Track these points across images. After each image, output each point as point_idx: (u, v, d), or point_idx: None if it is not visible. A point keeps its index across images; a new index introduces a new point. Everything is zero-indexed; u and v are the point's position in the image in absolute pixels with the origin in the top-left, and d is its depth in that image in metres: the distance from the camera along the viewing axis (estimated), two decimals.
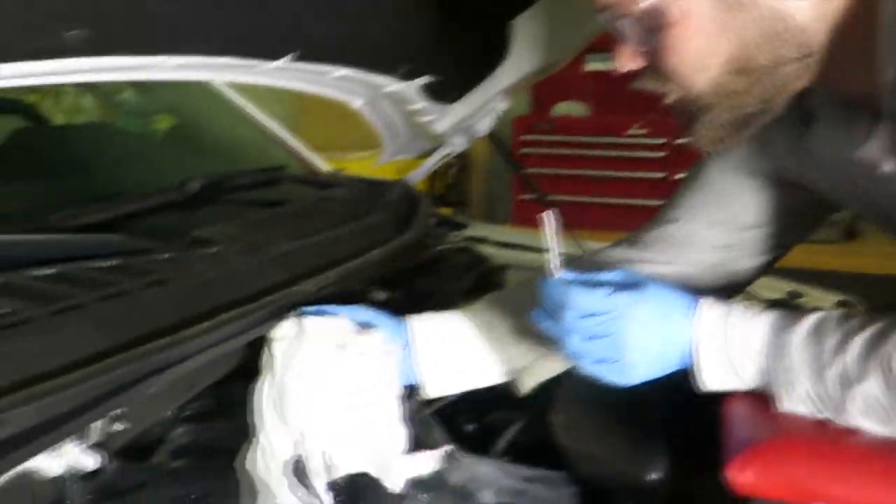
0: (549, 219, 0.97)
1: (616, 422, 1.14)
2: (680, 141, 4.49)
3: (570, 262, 0.99)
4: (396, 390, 1.06)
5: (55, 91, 3.62)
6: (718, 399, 0.95)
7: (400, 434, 1.05)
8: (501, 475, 1.16)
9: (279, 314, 1.10)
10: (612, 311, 0.91)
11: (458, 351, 1.13)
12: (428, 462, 1.06)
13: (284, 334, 1.02)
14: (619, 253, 1.19)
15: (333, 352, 1.01)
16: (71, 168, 1.66)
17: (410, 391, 1.12)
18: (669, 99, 0.94)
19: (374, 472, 1.00)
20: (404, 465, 1.03)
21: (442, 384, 1.14)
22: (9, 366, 0.84)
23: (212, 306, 1.07)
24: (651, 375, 0.93)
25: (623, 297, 0.92)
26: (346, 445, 1.00)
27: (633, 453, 1.11)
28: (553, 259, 0.97)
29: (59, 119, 3.04)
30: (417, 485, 1.04)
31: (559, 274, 0.96)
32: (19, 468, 0.82)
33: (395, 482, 1.02)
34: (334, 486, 0.99)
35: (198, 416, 1.38)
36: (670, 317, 0.92)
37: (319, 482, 0.98)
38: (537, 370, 1.15)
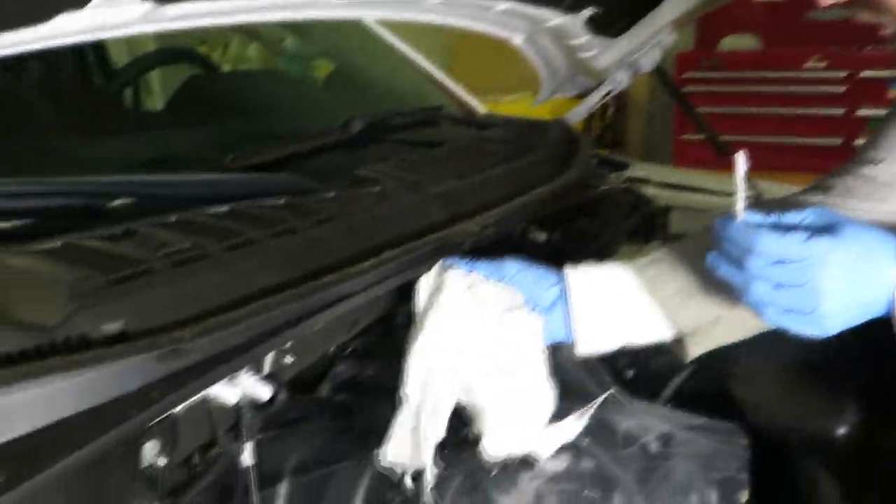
0: (740, 159, 0.89)
1: (800, 370, 1.07)
2: (865, 74, 4.18)
3: (757, 204, 0.92)
4: (540, 358, 1.03)
5: (223, 41, 3.78)
6: None
7: (542, 401, 1.02)
8: (668, 422, 1.13)
9: (441, 253, 1.10)
10: (807, 259, 0.83)
11: (619, 309, 1.07)
12: (574, 428, 1.03)
13: (427, 287, 1.02)
14: (811, 199, 1.10)
15: (473, 318, 1.00)
16: (240, 112, 1.71)
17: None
18: (888, 31, 0.85)
19: (518, 440, 0.99)
20: (550, 434, 1.02)
21: (597, 342, 1.09)
22: (188, 300, 0.88)
23: (376, 244, 1.08)
24: (847, 325, 0.86)
25: (820, 243, 0.83)
26: (485, 413, 0.99)
27: (819, 405, 1.04)
28: (739, 200, 0.89)
29: (226, 67, 3.16)
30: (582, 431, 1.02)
31: (744, 216, 0.88)
32: (200, 395, 0.86)
33: (541, 451, 1.00)
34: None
35: (359, 353, 1.44)
36: (873, 260, 0.83)
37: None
38: (706, 337, 1.08)
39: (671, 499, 1.03)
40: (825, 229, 0.84)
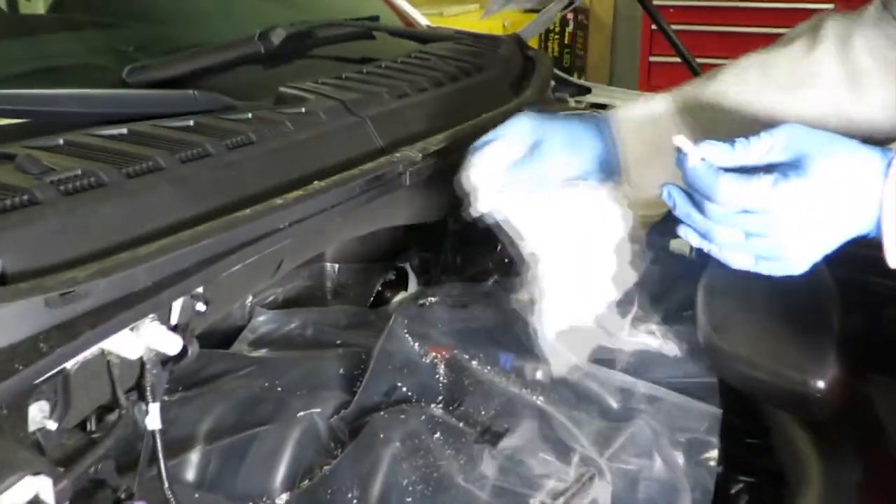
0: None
1: (774, 316, 1.10)
2: None
3: None
4: (608, 228, 1.06)
5: None
6: None
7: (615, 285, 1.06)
8: (630, 379, 1.16)
9: (378, 183, 1.09)
10: (774, 210, 0.83)
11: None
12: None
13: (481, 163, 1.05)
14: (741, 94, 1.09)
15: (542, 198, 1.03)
16: (140, 16, 1.65)
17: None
18: None
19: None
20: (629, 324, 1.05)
21: (647, 184, 1.09)
22: (80, 235, 0.84)
23: (302, 172, 1.06)
24: (823, 256, 0.86)
25: (788, 187, 0.82)
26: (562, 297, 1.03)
27: (796, 355, 1.07)
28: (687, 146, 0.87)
29: None
30: None
31: (704, 150, 0.86)
32: (96, 347, 0.84)
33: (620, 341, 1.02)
34: None
35: (284, 303, 1.43)
36: (854, 185, 0.82)
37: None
38: None
39: (632, 461, 1.06)
40: (794, 164, 0.82)
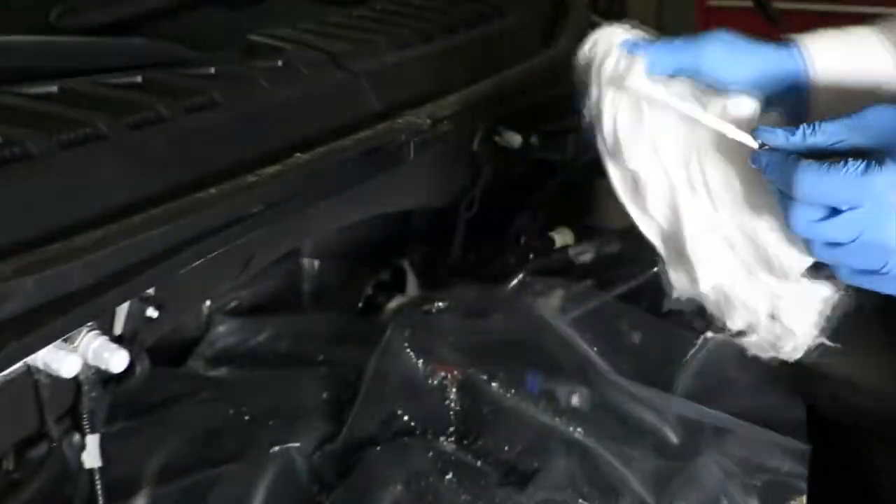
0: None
1: (885, 324, 1.11)
2: None
3: None
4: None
5: None
6: None
7: None
8: (693, 407, 1.17)
9: (377, 157, 1.09)
10: (863, 204, 0.83)
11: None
12: None
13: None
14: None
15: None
16: None
17: None
18: None
19: None
20: None
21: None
22: (2, 220, 0.84)
23: (280, 143, 1.07)
24: None
25: (881, 175, 0.82)
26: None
27: None
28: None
29: None
30: None
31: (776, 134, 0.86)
32: (20, 364, 0.84)
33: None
34: None
35: (250, 308, 1.44)
36: None
37: None
38: None
39: None
40: (886, 149, 0.82)
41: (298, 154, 1.04)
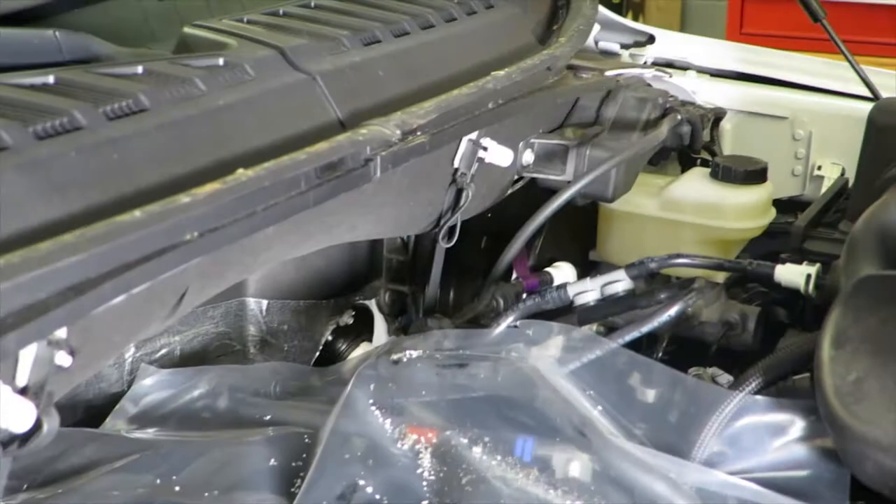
0: None
1: None
2: None
3: None
4: None
5: None
6: None
7: None
8: (715, 479, 1.18)
9: (336, 175, 1.10)
10: None
11: None
12: None
13: None
14: None
15: None
16: None
17: None
18: None
19: None
20: None
21: None
22: None
23: (221, 157, 1.08)
24: None
25: None
26: None
27: None
28: None
29: None
30: None
31: None
32: None
33: None
34: None
35: (183, 357, 1.44)
36: None
37: None
38: None
39: None
40: None
41: (241, 170, 1.04)
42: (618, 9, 4.90)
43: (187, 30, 1.28)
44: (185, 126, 1.09)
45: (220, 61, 1.19)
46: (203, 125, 1.11)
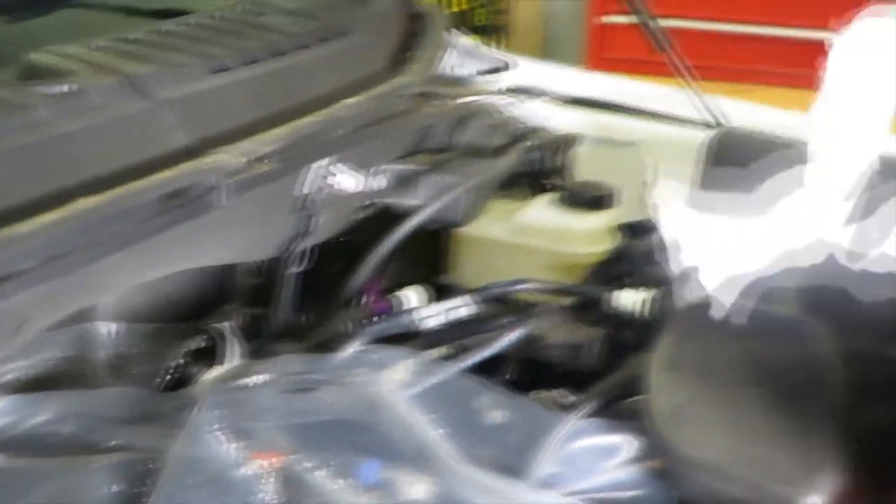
0: None
1: (756, 405, 1.17)
2: None
3: None
4: None
5: None
6: None
7: None
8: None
9: (183, 202, 1.11)
10: None
11: None
12: None
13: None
14: None
15: None
16: None
17: None
18: None
19: None
20: None
21: None
22: None
23: (63, 185, 1.08)
24: None
25: None
26: None
27: (785, 462, 1.13)
28: None
29: None
30: None
31: None
32: None
33: None
34: None
35: (27, 383, 1.42)
36: None
37: None
38: None
39: None
40: None
41: (82, 200, 1.04)
42: (483, 31, 4.93)
43: (34, 56, 1.26)
44: (27, 154, 1.09)
45: (66, 88, 1.19)
46: (46, 153, 1.10)
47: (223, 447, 1.23)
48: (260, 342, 1.56)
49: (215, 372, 1.52)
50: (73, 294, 1.13)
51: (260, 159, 1.21)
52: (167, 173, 1.14)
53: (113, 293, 1.30)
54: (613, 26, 4.51)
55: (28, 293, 1.00)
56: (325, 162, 1.39)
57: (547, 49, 5.13)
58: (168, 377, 1.50)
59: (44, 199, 1.06)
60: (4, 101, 1.14)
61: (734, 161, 1.60)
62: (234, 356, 1.55)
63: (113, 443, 1.29)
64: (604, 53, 4.60)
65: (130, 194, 1.08)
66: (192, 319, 1.54)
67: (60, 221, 1.02)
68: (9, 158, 1.08)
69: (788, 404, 1.15)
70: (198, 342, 1.53)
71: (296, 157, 1.26)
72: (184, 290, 1.48)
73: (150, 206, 1.10)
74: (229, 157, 1.19)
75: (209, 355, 1.54)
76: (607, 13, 4.69)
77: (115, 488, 1.21)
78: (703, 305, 1.28)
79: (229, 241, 1.30)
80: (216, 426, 1.24)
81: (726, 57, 4.18)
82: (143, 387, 1.46)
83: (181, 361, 1.52)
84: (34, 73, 1.25)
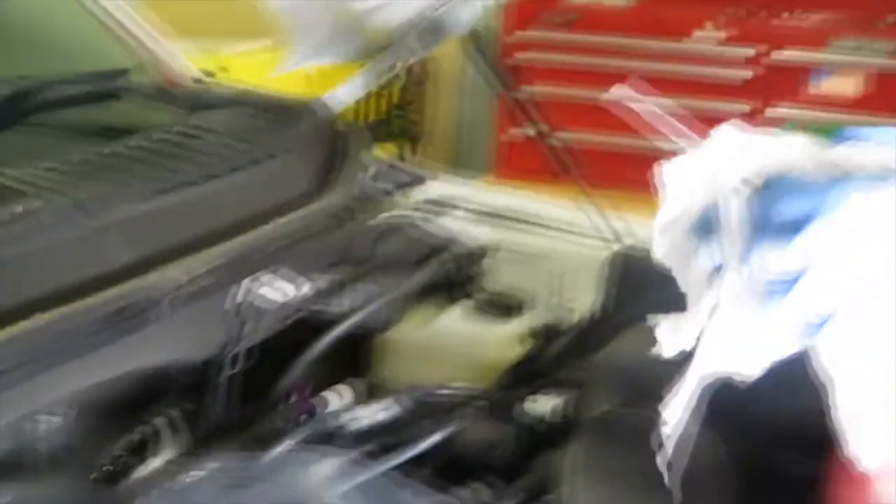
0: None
1: None
2: (781, 56, 4.59)
3: None
4: None
5: None
6: None
7: None
8: None
9: (127, 317, 1.13)
10: None
11: None
12: None
13: None
14: None
15: None
16: None
17: None
18: None
19: None
20: None
21: None
22: None
23: (15, 303, 1.11)
24: None
25: None
26: None
27: None
28: None
29: None
30: None
31: None
32: None
33: None
34: None
35: None
36: None
37: None
38: None
39: None
40: None
41: (37, 315, 1.06)
42: (398, 138, 4.97)
43: None
44: None
45: (17, 209, 1.21)
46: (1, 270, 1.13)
47: None
48: (195, 437, 1.57)
49: (152, 465, 1.52)
50: (20, 404, 1.16)
51: (198, 276, 1.23)
52: (114, 290, 1.16)
53: (56, 401, 1.31)
54: (520, 140, 4.59)
55: None
56: (256, 276, 1.43)
57: (461, 156, 5.18)
58: (107, 469, 1.50)
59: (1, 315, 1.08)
60: None
61: (633, 279, 1.66)
62: (171, 450, 1.56)
63: None
64: (512, 164, 4.67)
65: (81, 310, 1.11)
66: (129, 414, 1.55)
67: (13, 339, 1.03)
68: None
69: None
70: (137, 434, 1.53)
71: (231, 272, 1.30)
72: (123, 385, 1.48)
73: (99, 320, 1.11)
74: (171, 274, 1.21)
75: (146, 448, 1.54)
76: (514, 126, 4.76)
77: None
78: (613, 414, 1.32)
79: (168, 347, 1.33)
80: None
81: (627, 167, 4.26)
82: (82, 479, 1.46)
83: (119, 454, 1.52)
84: None
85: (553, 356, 1.69)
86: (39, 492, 1.38)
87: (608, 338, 1.54)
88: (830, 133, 1.28)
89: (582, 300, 1.88)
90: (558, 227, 1.96)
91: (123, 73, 1.84)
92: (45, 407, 1.31)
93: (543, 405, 1.55)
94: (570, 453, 1.30)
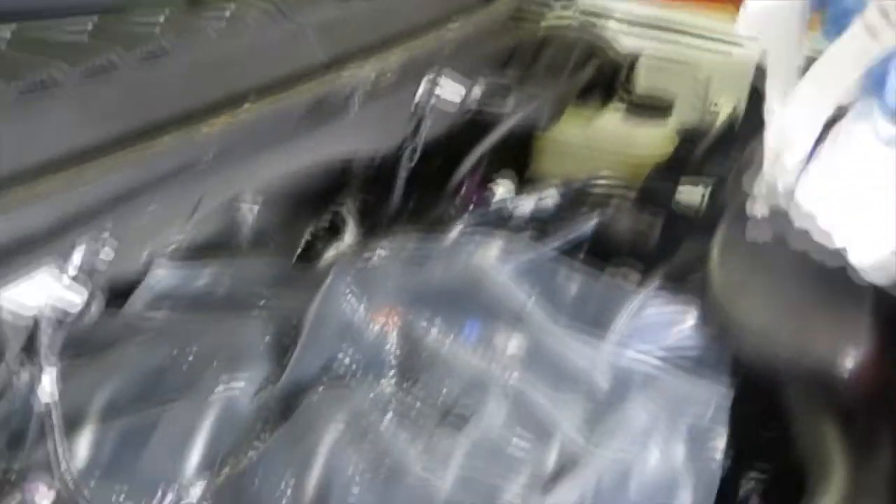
0: None
1: (801, 281, 1.20)
2: None
3: None
4: None
5: None
6: None
7: None
8: (625, 356, 1.28)
9: (322, 107, 1.18)
10: None
11: None
12: None
13: None
14: None
15: None
16: None
17: None
18: None
19: None
20: None
21: None
22: None
23: (229, 93, 1.13)
24: None
25: None
26: None
27: (825, 328, 1.18)
28: None
29: None
30: None
31: None
32: None
33: None
34: None
35: (187, 252, 1.49)
36: None
37: None
38: None
39: (623, 450, 1.16)
40: None
41: (248, 104, 1.10)
42: None
43: None
44: (200, 68, 1.15)
45: (227, 13, 1.24)
46: (213, 67, 1.16)
47: (353, 307, 1.30)
48: (374, 223, 1.62)
49: (339, 246, 1.58)
50: (237, 182, 1.20)
51: (384, 74, 1.26)
52: (311, 84, 1.19)
53: (266, 182, 1.36)
54: None
55: (206, 179, 1.06)
56: (433, 76, 1.45)
57: None
58: (301, 250, 1.57)
59: (214, 105, 1.11)
60: (180, 23, 1.19)
61: None
62: (352, 234, 1.61)
63: (262, 302, 1.37)
64: None
65: (283, 101, 1.14)
66: (320, 203, 1.61)
67: (230, 124, 1.07)
68: (186, 71, 1.13)
69: (832, 283, 1.16)
70: (324, 221, 1.59)
71: (412, 71, 1.31)
72: (313, 178, 1.52)
73: (299, 111, 1.14)
74: (360, 72, 1.24)
75: (332, 233, 1.60)
76: None
77: (267, 338, 1.28)
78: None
79: (358, 138, 1.36)
80: (348, 290, 1.31)
81: None
82: (282, 257, 1.53)
83: (309, 237, 1.58)
84: (197, 3, 1.30)
85: (699, 154, 1.69)
86: (250, 267, 1.46)
87: (751, 137, 1.53)
88: None
89: (726, 104, 1.88)
90: (705, 35, 1.93)
91: None
92: (256, 188, 1.39)
93: (690, 194, 1.56)
94: (719, 234, 1.31)
